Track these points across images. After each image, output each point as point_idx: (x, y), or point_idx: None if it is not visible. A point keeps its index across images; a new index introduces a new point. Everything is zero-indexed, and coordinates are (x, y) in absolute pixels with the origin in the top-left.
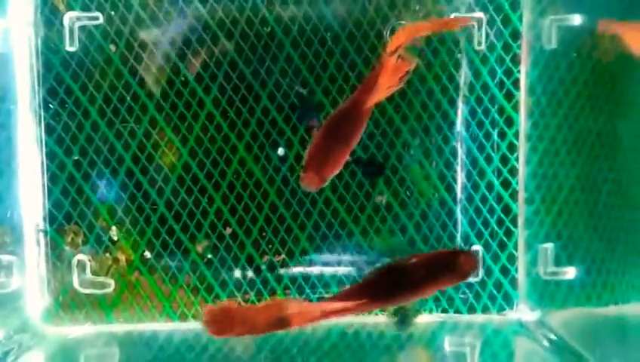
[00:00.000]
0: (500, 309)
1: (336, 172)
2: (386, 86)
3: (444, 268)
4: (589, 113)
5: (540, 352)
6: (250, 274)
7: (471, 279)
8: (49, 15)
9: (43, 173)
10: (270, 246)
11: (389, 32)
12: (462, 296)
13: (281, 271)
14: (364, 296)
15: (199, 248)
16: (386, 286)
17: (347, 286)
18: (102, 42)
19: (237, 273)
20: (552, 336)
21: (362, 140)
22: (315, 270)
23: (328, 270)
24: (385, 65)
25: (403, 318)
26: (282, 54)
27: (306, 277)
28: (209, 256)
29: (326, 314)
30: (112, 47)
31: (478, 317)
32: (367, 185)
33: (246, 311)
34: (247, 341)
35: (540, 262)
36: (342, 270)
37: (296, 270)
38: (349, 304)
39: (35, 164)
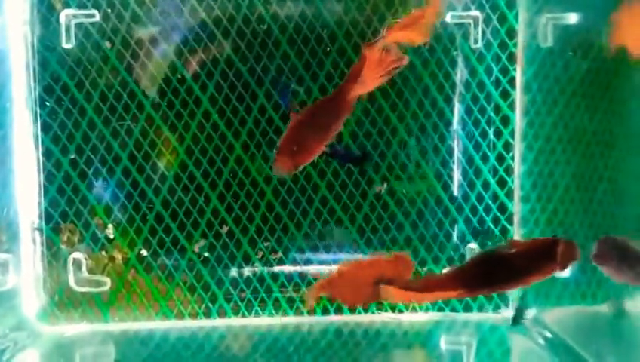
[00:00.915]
0: (496, 307)
1: (309, 161)
2: (370, 78)
3: (544, 257)
4: (585, 111)
5: (536, 350)
6: (246, 271)
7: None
8: (45, 13)
9: (39, 172)
10: (267, 244)
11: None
12: None
13: (278, 268)
14: (461, 283)
15: (196, 248)
16: (485, 274)
17: (446, 270)
18: (98, 39)
19: (233, 271)
20: (548, 334)
21: (358, 138)
22: (311, 268)
23: (325, 268)
24: (367, 57)
25: (515, 317)
26: (279, 52)
27: (303, 276)
28: (205, 254)
29: (422, 298)
30: (108, 44)
31: (474, 316)
32: (364, 183)
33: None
34: (243, 340)
35: None
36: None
37: (293, 268)
38: (446, 293)
39: (31, 162)
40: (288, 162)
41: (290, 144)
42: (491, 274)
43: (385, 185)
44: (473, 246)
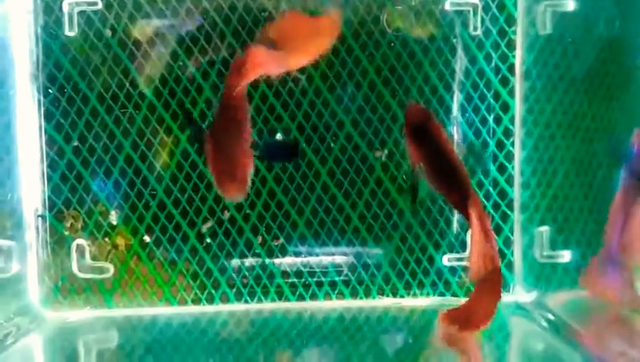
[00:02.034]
0: None
1: (251, 168)
2: (252, 76)
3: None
4: (584, 97)
5: (538, 331)
6: (249, 258)
7: (468, 263)
8: (48, 1)
9: (42, 159)
10: (268, 231)
11: (385, 18)
12: (458, 279)
13: (280, 256)
14: None
15: (204, 228)
16: None
17: None
18: (101, 28)
19: (235, 258)
20: (550, 316)
21: (359, 126)
22: (313, 255)
23: (327, 255)
24: (250, 57)
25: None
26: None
27: (305, 263)
28: (208, 240)
29: None
30: (108, 32)
31: None
32: (365, 170)
33: None
34: (245, 326)
35: (536, 246)
36: (340, 255)
37: (295, 255)
38: None
39: (35, 150)
40: (233, 186)
41: (221, 169)
42: None
43: (386, 151)
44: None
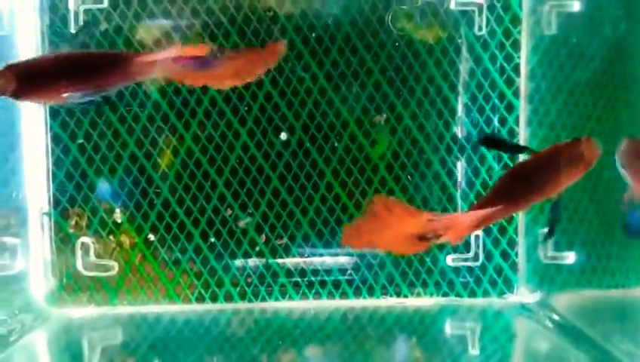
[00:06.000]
0: (501, 293)
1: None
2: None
3: (568, 161)
4: (589, 99)
5: (543, 332)
6: (253, 257)
7: (471, 264)
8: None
9: (47, 157)
10: (272, 231)
11: (390, 18)
12: (462, 279)
13: (284, 255)
14: (500, 202)
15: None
16: (517, 188)
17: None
18: (107, 26)
19: (240, 257)
20: (555, 316)
21: (363, 125)
22: (317, 254)
23: (330, 254)
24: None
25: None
26: (285, 39)
27: (309, 262)
28: (212, 239)
29: (473, 226)
30: (102, 27)
31: (479, 301)
32: (369, 170)
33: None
34: (249, 325)
35: (540, 247)
36: (343, 255)
37: (299, 254)
38: (490, 212)
39: (40, 148)
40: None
41: None
42: (522, 186)
43: (384, 115)
44: (478, 233)
